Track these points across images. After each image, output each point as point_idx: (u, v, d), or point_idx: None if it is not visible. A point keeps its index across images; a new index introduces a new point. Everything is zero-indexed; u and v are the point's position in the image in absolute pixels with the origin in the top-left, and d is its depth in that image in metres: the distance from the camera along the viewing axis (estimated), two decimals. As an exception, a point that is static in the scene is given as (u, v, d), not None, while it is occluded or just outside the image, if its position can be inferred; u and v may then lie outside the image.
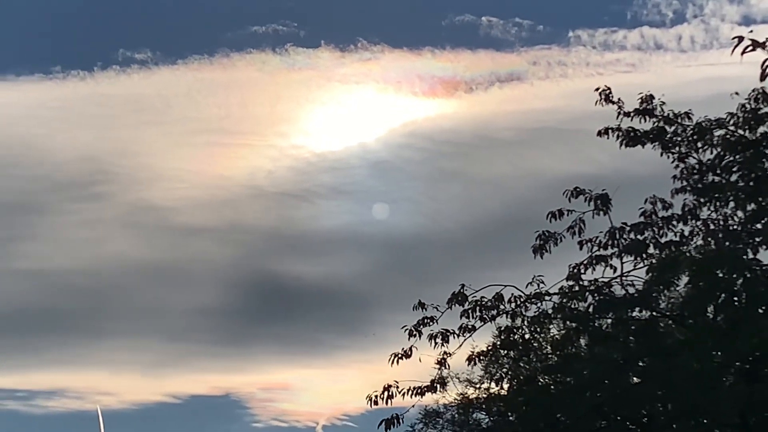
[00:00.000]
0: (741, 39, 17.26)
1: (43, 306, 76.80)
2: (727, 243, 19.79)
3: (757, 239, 19.32)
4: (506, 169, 71.62)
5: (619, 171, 23.80)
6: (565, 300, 21.63)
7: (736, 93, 20.30)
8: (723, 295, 19.39)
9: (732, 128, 20.24)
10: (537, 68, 73.17)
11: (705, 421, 20.65)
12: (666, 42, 70.41)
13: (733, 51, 17.22)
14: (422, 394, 22.65)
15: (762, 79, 16.95)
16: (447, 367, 22.58)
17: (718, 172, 20.14)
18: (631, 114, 21.46)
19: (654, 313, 21.52)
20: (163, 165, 79.60)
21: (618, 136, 21.45)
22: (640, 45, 70.11)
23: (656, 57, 69.01)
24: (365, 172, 79.48)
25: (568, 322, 22.17)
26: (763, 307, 18.62)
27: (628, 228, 21.47)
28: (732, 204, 19.93)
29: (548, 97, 70.18)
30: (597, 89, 21.88)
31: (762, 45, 17.27)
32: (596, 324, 21.70)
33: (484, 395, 26.67)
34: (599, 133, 21.74)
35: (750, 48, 17.33)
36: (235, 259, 79.42)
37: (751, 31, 17.58)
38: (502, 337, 22.46)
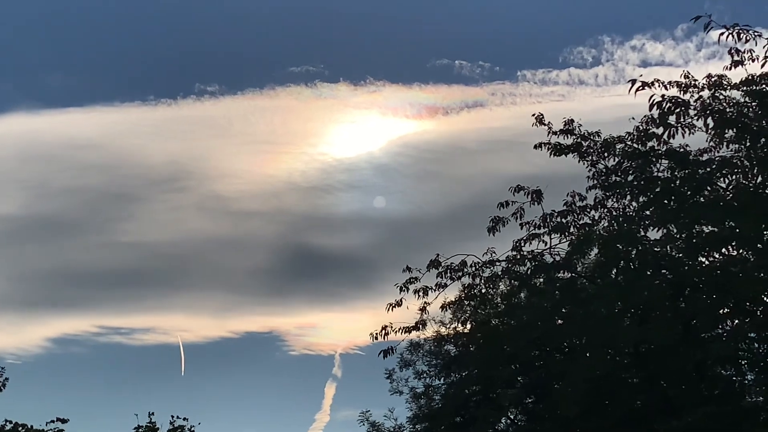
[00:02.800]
0: (634, 81, 17.49)
1: (141, 268, 76.88)
2: (625, 225, 19.82)
3: (647, 222, 19.40)
4: (472, 170, 71.35)
5: (553, 172, 23.69)
6: (510, 265, 21.72)
7: (632, 118, 20.27)
8: (622, 262, 19.53)
9: (629, 143, 20.24)
10: (494, 98, 73.07)
11: (609, 350, 20.75)
12: (587, 79, 70.29)
13: (630, 90, 17.44)
14: (409, 332, 22.65)
15: (650, 109, 17.16)
16: (426, 312, 22.65)
17: (619, 174, 20.14)
18: (557, 133, 21.45)
19: (573, 275, 21.59)
20: (227, 166, 79.79)
21: (548, 149, 21.47)
22: (568, 81, 69.99)
23: (579, 90, 68.84)
24: (371, 172, 79.40)
25: (512, 281, 22.27)
26: (650, 271, 18.72)
27: (555, 214, 21.49)
28: (628, 197, 19.97)
29: (502, 118, 69.95)
30: (533, 115, 21.84)
31: (649, 85, 17.51)
32: (532, 282, 21.82)
33: (453, 333, 26.69)
34: (535, 146, 21.65)
35: (641, 87, 17.55)
36: (277, 234, 79.66)
37: (641, 76, 17.79)
38: (466, 291, 22.46)
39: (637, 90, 17.28)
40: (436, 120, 75.70)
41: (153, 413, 39.56)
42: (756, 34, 16.75)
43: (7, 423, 36.70)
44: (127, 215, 78.46)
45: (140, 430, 39.04)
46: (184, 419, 39.50)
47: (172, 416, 39.50)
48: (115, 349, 74.81)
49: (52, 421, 38.09)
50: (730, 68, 18.09)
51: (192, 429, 39.75)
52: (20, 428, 37.15)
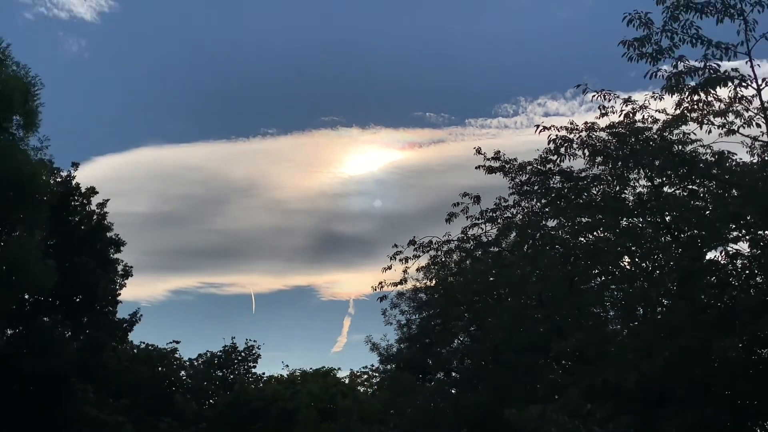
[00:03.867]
0: (539, 126, 17.48)
1: (227, 246, 77.66)
2: (532, 217, 19.85)
3: (546, 216, 19.40)
4: (437, 182, 71.94)
5: (488, 184, 23.69)
6: (460, 243, 21.84)
7: (537, 149, 20.17)
8: (530, 241, 19.55)
9: (535, 165, 20.14)
10: (451, 137, 74.00)
11: (522, 297, 20.62)
12: (510, 124, 71.10)
13: (536, 131, 17.42)
14: (396, 285, 22.97)
15: (548, 143, 17.16)
16: (407, 273, 22.86)
17: (529, 185, 20.07)
18: (490, 159, 21.43)
19: (500, 249, 21.68)
20: (281, 181, 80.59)
21: (484, 170, 21.44)
22: (498, 126, 70.91)
23: (505, 131, 69.52)
24: (373, 184, 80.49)
25: (462, 253, 22.38)
26: (548, 247, 18.69)
27: (488, 210, 21.56)
28: (534, 200, 19.97)
29: (457, 149, 70.76)
30: (475, 148, 21.73)
31: (547, 128, 17.51)
32: (474, 254, 21.90)
33: (424, 286, 26.65)
34: (476, 167, 21.64)
35: (542, 129, 17.57)
36: (313, 223, 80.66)
37: (543, 122, 17.81)
38: (432, 260, 22.64)
39: (540, 131, 17.31)
40: (414, 151, 76.45)
41: (234, 337, 40.00)
42: (615, 95, 16.77)
43: (142, 343, 36.99)
44: (217, 212, 79.08)
45: (226, 348, 39.39)
46: (254, 341, 39.92)
47: (246, 339, 39.97)
48: (211, 297, 75.28)
49: (170, 343, 38.44)
50: (599, 117, 18.08)
51: (259, 347, 40.13)
52: (150, 347, 37.37)
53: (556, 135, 17.49)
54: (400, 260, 22.41)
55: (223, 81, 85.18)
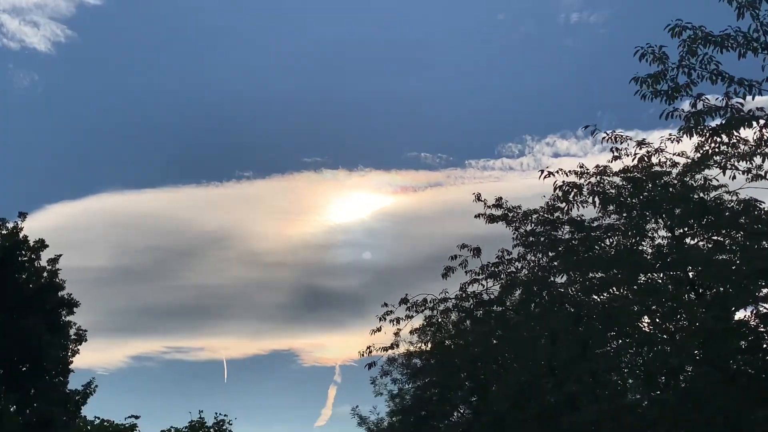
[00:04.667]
0: (543, 171, 17.63)
1: (197, 304, 77.10)
2: (539, 273, 19.86)
3: (554, 270, 19.42)
4: (433, 231, 71.95)
5: (489, 234, 23.79)
6: (458, 302, 21.72)
7: (544, 196, 20.32)
8: (537, 299, 19.55)
9: (541, 214, 20.30)
10: (449, 179, 74.19)
11: (530, 362, 20.58)
12: (515, 166, 71.50)
13: (540, 176, 17.57)
14: (387, 350, 22.62)
15: (554, 191, 17.29)
16: (399, 336, 22.53)
17: (535, 236, 20.17)
18: (491, 206, 21.57)
19: (504, 308, 21.61)
20: (259, 230, 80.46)
21: (485, 219, 21.57)
22: (502, 167, 71.37)
23: (510, 174, 69.98)
24: (361, 233, 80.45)
25: (460, 313, 22.26)
26: (557, 305, 18.69)
27: (490, 264, 21.52)
28: (541, 253, 19.99)
29: (455, 194, 70.88)
30: (475, 194, 21.87)
31: (554, 174, 17.66)
32: (475, 314, 21.80)
33: (418, 350, 26.56)
34: (475, 216, 21.76)
35: (547, 175, 17.72)
36: (295, 278, 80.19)
37: (551, 164, 17.96)
38: (427, 321, 22.42)
39: (545, 177, 17.44)
40: (407, 195, 76.64)
41: (202, 411, 39.36)
42: (627, 138, 16.99)
43: (96, 419, 36.27)
44: (186, 266, 78.75)
45: (193, 423, 38.73)
46: (225, 415, 39.31)
47: (216, 413, 39.36)
48: (177, 363, 74.54)
49: (129, 417, 37.73)
50: (612, 161, 18.23)
51: (230, 422, 39.48)
52: (105, 422, 36.65)
53: (563, 181, 17.63)
54: (391, 321, 22.13)
55: (192, 119, 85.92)
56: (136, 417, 37.82)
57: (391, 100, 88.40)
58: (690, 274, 16.94)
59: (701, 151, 16.57)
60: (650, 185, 17.13)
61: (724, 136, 14.16)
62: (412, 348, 29.10)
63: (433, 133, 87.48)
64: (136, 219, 76.35)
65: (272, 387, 76.94)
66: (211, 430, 38.93)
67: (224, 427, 39.21)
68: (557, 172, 18.48)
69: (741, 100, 12.49)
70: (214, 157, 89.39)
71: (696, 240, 17.37)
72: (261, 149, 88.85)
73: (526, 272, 20.83)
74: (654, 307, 16.96)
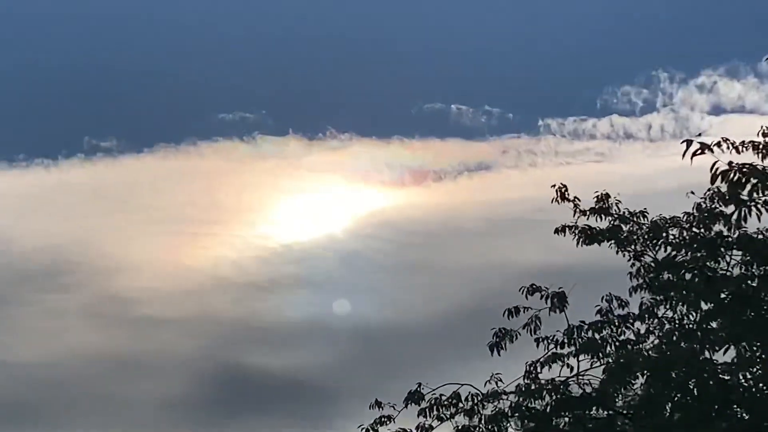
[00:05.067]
0: (690, 143, 17.56)
1: (3, 398, 76.47)
2: (682, 343, 19.89)
3: (712, 339, 19.45)
4: (475, 260, 71.58)
5: (588, 261, 23.92)
6: (522, 399, 21.72)
7: (692, 192, 20.54)
8: (678, 395, 19.54)
9: (687, 227, 20.43)
10: (506, 157, 73.55)
11: None
12: (635, 131, 70.73)
13: (684, 155, 17.54)
14: (380, 492, 22.68)
15: (712, 182, 17.26)
16: (405, 466, 22.64)
17: (674, 271, 20.24)
18: (588, 211, 21.66)
19: (611, 412, 21.58)
20: (128, 254, 79.54)
21: (575, 235, 21.67)
22: (610, 134, 70.38)
23: (626, 146, 69.40)
24: (332, 263, 79.46)
25: (525, 422, 22.22)
26: (717, 407, 18.74)
27: (585, 326, 21.57)
28: (686, 303, 20.06)
29: (517, 186, 70.54)
30: (554, 186, 22.10)
31: (710, 148, 17.59)
32: (554, 423, 21.79)
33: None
34: (556, 231, 21.95)
35: (699, 151, 17.64)
36: (199, 350, 79.23)
37: (700, 134, 17.92)
38: (458, 437, 22.48)
39: (695, 154, 17.34)
40: (424, 188, 76.09)
41: None
42: None
43: None
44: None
45: None
46: None
47: None
48: None
49: None
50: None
51: None
52: None
53: (731, 163, 17.50)
54: (390, 437, 22.27)
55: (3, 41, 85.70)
56: None
57: (395, 5, 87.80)
58: None
59: None
60: None
61: None
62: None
63: (474, 69, 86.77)
64: None
65: None
66: None
67: None
68: (719, 144, 18.50)
69: None
70: (42, 114, 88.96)
71: None
72: (134, 100, 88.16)
73: (655, 342, 20.97)
74: None
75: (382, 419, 22.17)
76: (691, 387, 19.07)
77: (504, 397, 21.89)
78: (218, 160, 76.61)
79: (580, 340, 21.40)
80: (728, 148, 18.35)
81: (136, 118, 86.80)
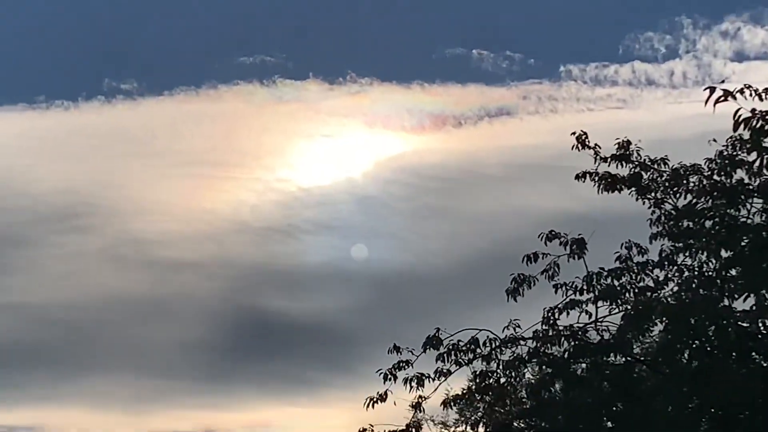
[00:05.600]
0: (713, 90, 17.52)
1: (23, 340, 76.54)
2: (701, 290, 19.93)
3: (731, 287, 19.47)
4: (494, 205, 71.53)
5: (607, 208, 23.97)
6: (540, 344, 21.81)
7: (714, 139, 20.50)
8: (696, 342, 19.61)
9: (708, 174, 20.41)
10: (527, 103, 73.21)
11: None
12: (657, 77, 70.37)
13: (706, 102, 17.51)
14: (397, 439, 22.81)
15: (735, 129, 17.24)
16: (422, 410, 22.75)
17: (694, 218, 20.26)
18: (609, 158, 21.65)
19: (629, 359, 21.69)
20: (147, 197, 79.44)
21: (595, 181, 21.67)
22: (631, 80, 70.05)
23: (648, 93, 69.02)
24: (351, 207, 79.35)
25: (543, 367, 22.34)
26: (735, 355, 18.82)
27: (604, 273, 21.60)
28: (706, 251, 20.07)
29: (538, 132, 70.26)
30: (573, 133, 22.08)
31: (732, 95, 17.56)
32: (571, 370, 21.86)
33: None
34: (577, 177, 21.95)
35: (722, 98, 17.61)
36: (218, 294, 79.26)
37: (724, 80, 17.86)
38: (477, 381, 22.57)
39: (718, 101, 17.31)
40: (444, 134, 75.95)
41: None
42: None
43: None
44: (4, 266, 78.37)
45: None
46: None
47: None
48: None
49: None
50: None
51: None
52: None
53: (755, 111, 17.44)
54: (407, 382, 22.35)
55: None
56: None
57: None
58: None
59: None
60: None
61: None
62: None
63: (496, 14, 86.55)
64: None
65: None
66: None
67: None
68: (741, 90, 18.44)
69: None
70: (62, 56, 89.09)
71: None
72: (154, 43, 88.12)
73: (675, 289, 21.04)
74: None
75: (401, 364, 22.26)
76: (710, 334, 19.17)
77: (522, 342, 21.99)
78: (238, 104, 76.32)
79: (598, 286, 21.47)
80: (751, 95, 18.33)
81: (156, 61, 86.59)
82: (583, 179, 21.70)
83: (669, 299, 20.49)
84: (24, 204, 76.29)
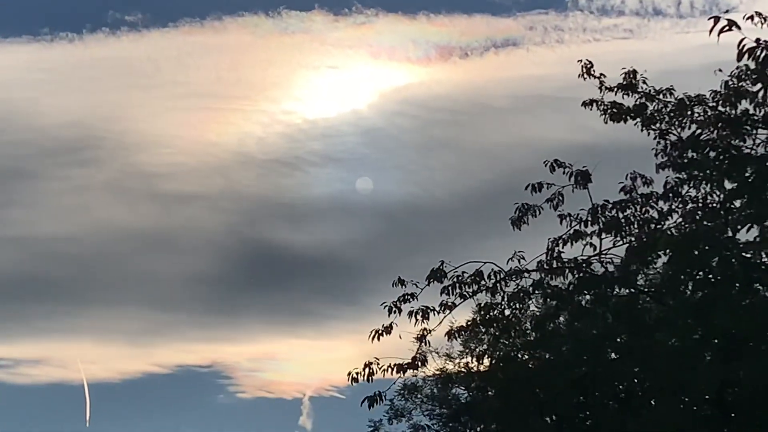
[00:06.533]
0: (717, 19, 17.52)
1: (28, 273, 76.87)
2: (705, 221, 19.97)
3: (735, 218, 19.51)
4: (500, 137, 71.63)
5: (613, 139, 24.00)
6: (544, 276, 21.90)
7: (719, 69, 20.46)
8: (701, 273, 19.67)
9: (713, 105, 20.40)
10: (533, 33, 73.27)
11: (683, 397, 20.95)
12: (665, 7, 70.38)
13: (710, 32, 17.53)
14: (404, 370, 22.89)
15: (739, 59, 17.29)
16: (427, 343, 22.86)
17: (699, 149, 20.25)
18: (615, 88, 21.64)
19: (633, 291, 21.79)
20: (153, 130, 79.41)
21: (601, 111, 21.67)
22: (638, 10, 70.09)
23: (654, 23, 69.03)
24: (357, 139, 79.48)
25: (547, 299, 22.44)
26: (739, 285, 18.87)
27: (609, 205, 21.63)
28: (711, 182, 20.11)
29: (544, 63, 70.22)
30: (582, 63, 22.04)
31: (737, 25, 17.56)
32: (576, 301, 21.97)
33: (464, 371, 26.88)
34: (584, 104, 21.94)
35: (726, 28, 17.61)
36: (224, 226, 79.63)
37: (728, 10, 17.87)
38: (482, 313, 22.69)
39: (722, 31, 17.30)
40: (450, 65, 75.70)
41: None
42: None
43: None
44: (9, 199, 78.42)
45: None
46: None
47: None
48: (-8, 386, 75.06)
49: None
50: None
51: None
52: None
53: (759, 40, 17.44)
54: (413, 314, 22.44)
55: None
56: None
57: None
58: None
59: None
60: None
61: None
62: (451, 366, 29.47)
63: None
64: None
65: (177, 435, 78.01)
66: None
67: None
68: (747, 20, 18.45)
69: None
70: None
71: None
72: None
73: (679, 221, 21.07)
74: None
75: (405, 297, 22.34)
76: (714, 265, 19.20)
77: (526, 274, 22.07)
78: (243, 35, 76.20)
79: (603, 218, 21.51)
80: (761, 23, 18.34)
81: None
82: (590, 107, 21.69)
83: (673, 231, 20.54)
84: (29, 137, 76.28)
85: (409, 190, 75.50)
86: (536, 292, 22.22)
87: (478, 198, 66.08)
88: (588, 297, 21.88)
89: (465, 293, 22.20)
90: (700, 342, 20.20)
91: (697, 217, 20.25)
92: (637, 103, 21.34)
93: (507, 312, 22.66)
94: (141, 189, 78.37)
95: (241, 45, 77.67)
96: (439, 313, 22.36)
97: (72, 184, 77.48)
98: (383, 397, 22.89)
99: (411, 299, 22.33)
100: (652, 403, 21.45)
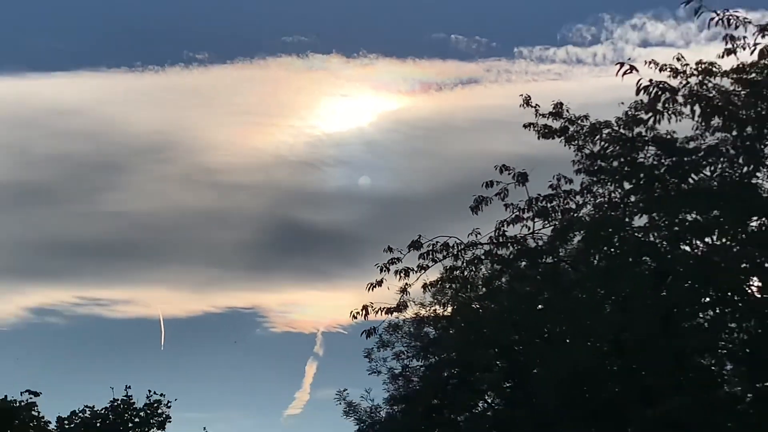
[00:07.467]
0: (622, 64, 17.55)
1: (122, 239, 77.11)
2: (609, 212, 19.90)
3: (631, 209, 19.50)
4: (463, 149, 71.51)
5: (541, 154, 23.80)
6: (493, 248, 21.81)
7: (622, 102, 20.34)
8: (605, 248, 19.65)
9: (616, 128, 20.29)
10: (489, 74, 73.16)
11: (590, 339, 20.90)
12: (584, 58, 70.26)
13: (617, 73, 17.51)
14: (390, 312, 22.79)
15: (636, 94, 17.28)
16: (407, 294, 22.75)
17: (605, 159, 20.17)
18: (547, 115, 21.51)
19: (556, 260, 21.71)
20: (213, 137, 79.74)
21: (536, 131, 21.54)
22: (566, 59, 69.90)
23: (577, 69, 68.79)
24: (360, 148, 79.70)
25: (495, 265, 22.37)
26: (632, 258, 18.84)
27: (540, 197, 21.53)
28: (613, 183, 20.05)
29: (497, 96, 70.00)
30: (523, 96, 21.87)
31: (636, 69, 17.59)
32: (515, 266, 21.92)
33: (433, 315, 26.78)
34: (525, 126, 21.75)
35: (628, 71, 17.63)
36: (263, 208, 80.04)
37: (633, 59, 17.87)
38: (447, 274, 22.55)
39: (625, 74, 17.31)
40: (429, 96, 75.66)
41: (129, 387, 39.87)
42: (745, 20, 16.78)
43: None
44: (109, 184, 78.57)
45: (116, 403, 39.33)
46: (161, 395, 39.85)
47: (149, 391, 39.84)
48: (93, 320, 75.06)
49: (26, 392, 38.16)
50: (723, 55, 18.08)
51: (168, 405, 40.06)
52: (-7, 399, 37.19)
53: (650, 81, 17.49)
54: (397, 273, 22.34)
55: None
56: (36, 394, 38.51)
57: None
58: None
59: None
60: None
61: None
62: (424, 311, 29.45)
63: (469, 7, 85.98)
64: (40, 115, 75.78)
65: (227, 359, 77.82)
66: (141, 413, 39.55)
67: (159, 411, 39.85)
68: (649, 64, 18.41)
69: None
70: (154, 32, 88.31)
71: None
72: (222, 22, 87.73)
73: (591, 210, 20.91)
74: (768, 265, 17.09)
75: (393, 260, 22.25)
76: (615, 243, 19.22)
77: (480, 246, 22.00)
78: (280, 71, 76.40)
79: (536, 207, 21.42)
80: (651, 67, 18.32)
81: (222, 37, 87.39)
82: (528, 128, 21.48)
83: (586, 218, 20.49)
84: (125, 141, 76.56)
85: (397, 186, 75.99)
86: (487, 259, 22.16)
87: (447, 192, 66.24)
88: (524, 264, 21.85)
89: (435, 258, 22.08)
90: (604, 298, 20.18)
91: (604, 208, 20.19)
92: (562, 125, 21.13)
93: (465, 273, 22.58)
94: (204, 180, 78.78)
95: (278, 78, 77.89)
96: (416, 272, 22.29)
97: (155, 175, 77.94)
98: (375, 331, 22.87)
99: (397, 262, 22.20)
100: (567, 341, 21.34)
